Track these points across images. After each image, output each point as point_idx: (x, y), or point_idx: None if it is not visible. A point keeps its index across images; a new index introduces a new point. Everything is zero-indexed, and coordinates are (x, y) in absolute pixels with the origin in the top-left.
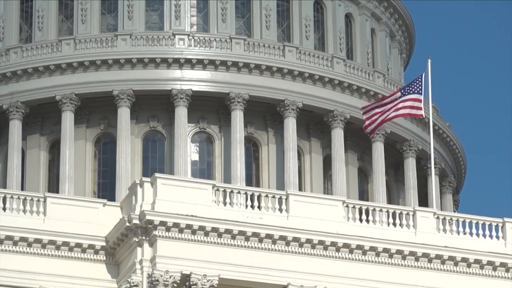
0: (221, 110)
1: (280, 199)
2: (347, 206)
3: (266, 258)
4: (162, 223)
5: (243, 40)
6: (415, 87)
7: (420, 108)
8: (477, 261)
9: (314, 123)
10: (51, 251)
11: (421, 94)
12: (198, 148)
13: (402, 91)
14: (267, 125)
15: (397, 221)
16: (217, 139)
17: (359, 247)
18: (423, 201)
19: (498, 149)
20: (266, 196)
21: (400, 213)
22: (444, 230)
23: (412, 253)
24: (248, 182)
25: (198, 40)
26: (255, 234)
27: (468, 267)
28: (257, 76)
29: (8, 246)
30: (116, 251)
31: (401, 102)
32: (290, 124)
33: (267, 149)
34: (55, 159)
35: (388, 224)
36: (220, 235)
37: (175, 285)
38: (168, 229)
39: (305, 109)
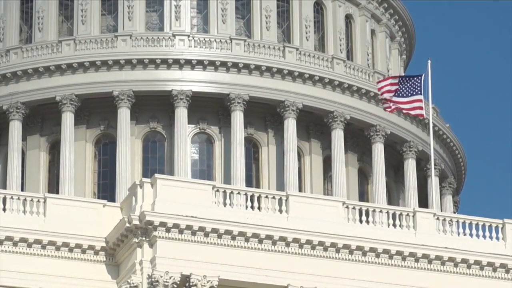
0: (221, 111)
1: (280, 200)
2: (347, 207)
3: (266, 259)
4: (162, 224)
5: (243, 41)
6: (415, 87)
7: (421, 108)
8: (477, 262)
9: (314, 124)
10: (51, 251)
11: (421, 94)
12: (198, 149)
13: (400, 79)
14: (267, 126)
15: (397, 222)
16: (217, 140)
17: (359, 248)
18: (423, 202)
19: (498, 150)
20: (266, 197)
21: (400, 214)
22: (444, 231)
23: (412, 254)
24: (248, 183)
25: (198, 41)
26: (255, 235)
27: (468, 268)
28: (257, 77)
29: (8, 247)
30: (116, 252)
31: (404, 103)
32: (290, 125)
33: (267, 150)
34: (55, 160)
35: (388, 225)
36: (220, 236)
37: (175, 286)
38: (168, 230)
39: (305, 110)
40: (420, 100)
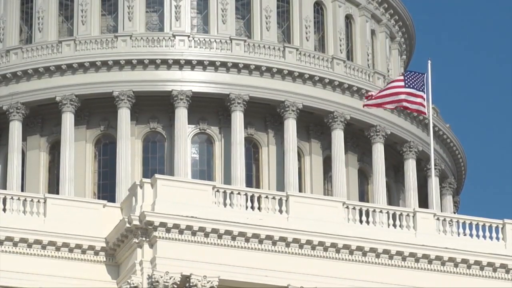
0: (221, 111)
1: (280, 200)
2: (347, 207)
3: (266, 259)
4: (162, 224)
5: (243, 41)
6: (419, 83)
7: (424, 106)
8: (477, 262)
9: (314, 124)
10: (51, 252)
11: (424, 92)
12: (198, 149)
13: (406, 75)
14: (267, 126)
15: (397, 222)
16: (217, 140)
17: (359, 248)
18: (423, 202)
19: (498, 150)
20: (266, 197)
21: (400, 214)
22: (444, 231)
23: (412, 254)
24: (248, 183)
25: (198, 41)
26: (255, 235)
27: (468, 268)
28: (257, 77)
29: (8, 247)
30: (116, 252)
31: (405, 93)
32: (290, 125)
33: (267, 150)
34: (55, 160)
35: (388, 225)
36: (220, 236)
37: (175, 286)
38: (168, 230)
39: (305, 110)
40: (424, 98)
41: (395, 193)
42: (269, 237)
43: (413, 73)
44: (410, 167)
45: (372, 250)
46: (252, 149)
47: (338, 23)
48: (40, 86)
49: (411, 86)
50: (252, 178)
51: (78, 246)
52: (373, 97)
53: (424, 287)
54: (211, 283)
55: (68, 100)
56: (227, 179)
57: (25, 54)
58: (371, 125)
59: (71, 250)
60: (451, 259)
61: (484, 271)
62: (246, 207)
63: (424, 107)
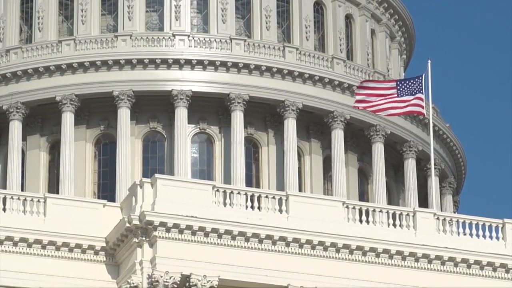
0: (221, 111)
1: (280, 200)
2: (347, 207)
3: (266, 259)
4: (162, 224)
5: (243, 41)
6: (415, 87)
7: (422, 107)
8: (477, 262)
9: (314, 124)
10: (51, 251)
11: (422, 93)
12: (198, 149)
13: (399, 83)
14: (267, 126)
15: (397, 222)
16: (217, 140)
17: (359, 248)
18: (423, 202)
19: (498, 150)
20: (266, 196)
21: (400, 214)
22: (444, 231)
23: (412, 254)
24: (248, 183)
25: (198, 40)
26: (255, 235)
27: (468, 268)
28: (257, 77)
29: (8, 247)
30: (116, 251)
31: (401, 101)
32: (290, 125)
33: (267, 150)
34: (55, 160)
35: (388, 225)
36: (220, 236)
37: (175, 286)
38: (168, 229)
39: (305, 110)
40: (422, 99)
41: (395, 192)
42: (269, 237)
43: (407, 81)
44: (410, 167)
45: (372, 249)
46: (252, 149)
47: (338, 23)
48: (40, 86)
49: (405, 94)
50: (252, 177)
51: (78, 246)
52: (364, 97)
53: (424, 286)
54: (211, 282)
55: (68, 100)
56: (227, 179)
57: (25, 53)
58: (371, 125)
59: (71, 250)
60: (451, 259)
61: (484, 270)
62: (246, 207)
63: (423, 107)
